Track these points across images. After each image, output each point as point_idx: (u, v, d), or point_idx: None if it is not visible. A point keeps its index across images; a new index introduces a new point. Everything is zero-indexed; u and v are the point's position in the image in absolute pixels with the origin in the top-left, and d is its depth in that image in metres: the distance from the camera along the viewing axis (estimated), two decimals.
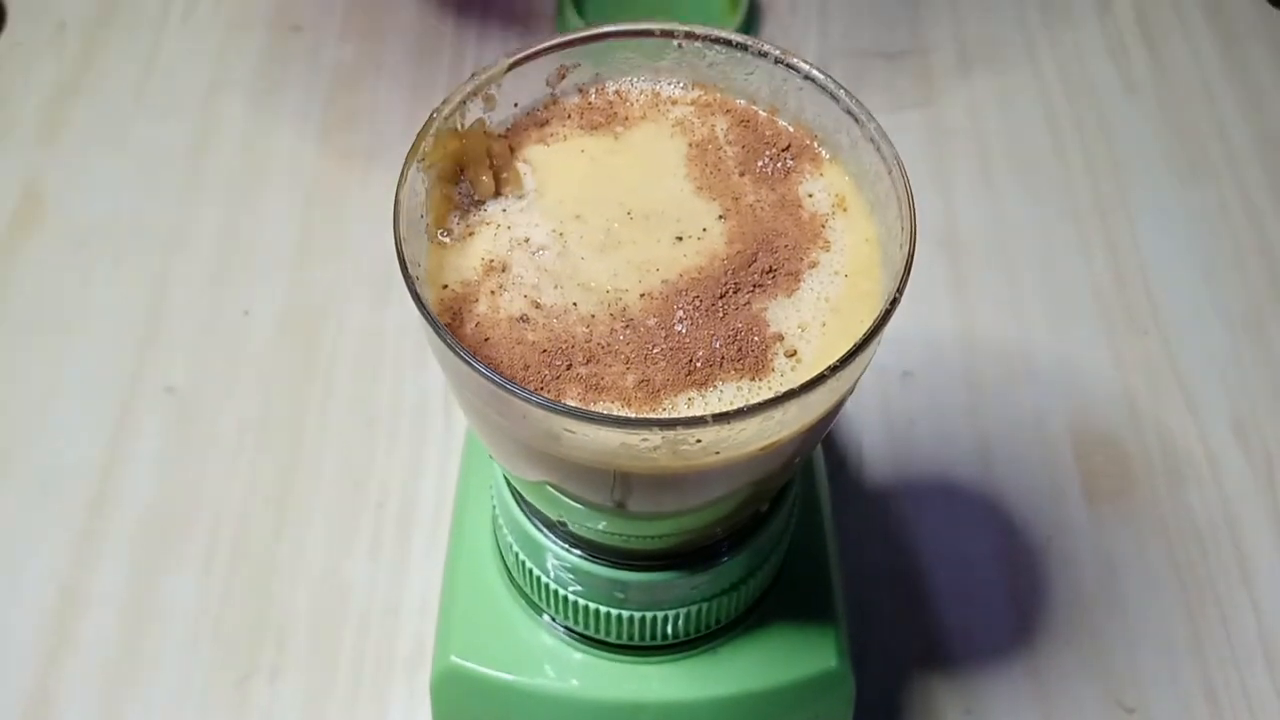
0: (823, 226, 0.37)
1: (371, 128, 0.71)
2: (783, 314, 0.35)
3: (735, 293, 0.35)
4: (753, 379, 0.34)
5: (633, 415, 0.33)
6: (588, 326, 0.34)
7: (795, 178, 0.38)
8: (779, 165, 0.38)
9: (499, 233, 0.36)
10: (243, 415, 0.60)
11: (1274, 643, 0.54)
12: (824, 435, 0.37)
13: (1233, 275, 0.66)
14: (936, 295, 0.65)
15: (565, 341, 0.34)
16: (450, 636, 0.44)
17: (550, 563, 0.41)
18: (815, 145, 0.38)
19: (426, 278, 0.35)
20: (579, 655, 0.43)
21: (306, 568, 0.55)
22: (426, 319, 0.32)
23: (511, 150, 0.38)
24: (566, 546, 0.40)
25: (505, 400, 0.32)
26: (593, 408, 0.33)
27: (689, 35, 0.38)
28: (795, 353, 0.34)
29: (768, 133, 0.38)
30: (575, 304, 0.35)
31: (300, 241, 0.66)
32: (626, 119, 0.39)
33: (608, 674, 0.43)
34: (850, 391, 0.35)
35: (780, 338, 0.34)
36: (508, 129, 0.39)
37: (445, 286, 0.35)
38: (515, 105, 0.39)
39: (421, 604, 0.54)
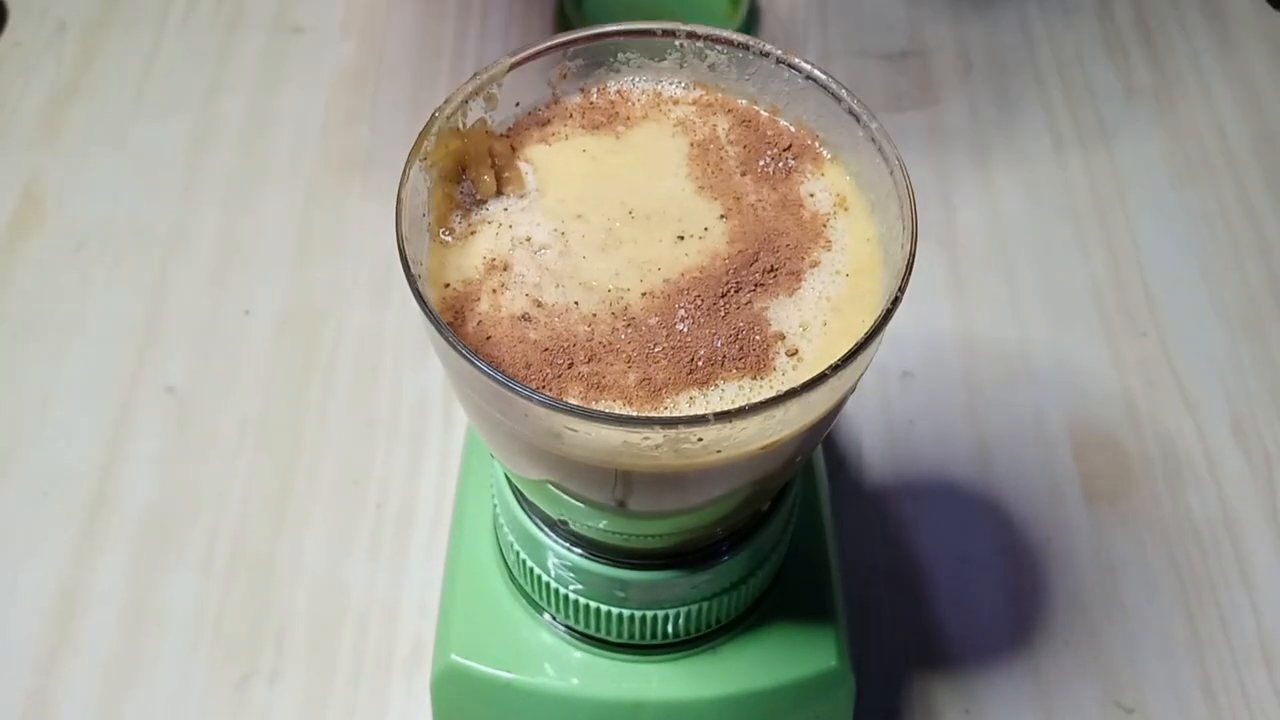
0: (824, 226, 0.37)
1: (372, 128, 0.71)
2: (784, 313, 0.35)
3: (737, 292, 0.35)
4: (754, 378, 0.34)
5: (635, 414, 0.33)
6: (589, 325, 0.34)
7: (797, 177, 0.38)
8: (780, 165, 0.38)
9: (501, 232, 0.36)
10: (242, 415, 0.60)
11: (1273, 643, 0.54)
12: (825, 435, 0.37)
13: (1231, 276, 0.66)
14: (936, 296, 0.65)
15: (567, 340, 0.34)
16: (450, 635, 0.44)
17: (551, 561, 0.41)
18: (816, 145, 0.38)
19: (428, 276, 0.35)
20: (579, 654, 0.43)
21: (306, 568, 0.55)
22: (429, 317, 0.32)
23: (513, 149, 0.38)
24: (567, 545, 0.40)
25: (507, 399, 0.32)
26: (594, 406, 0.33)
27: (690, 35, 0.38)
28: (797, 352, 0.34)
29: (769, 132, 0.39)
30: (577, 303, 0.35)
31: (300, 242, 0.66)
32: (628, 119, 0.39)
33: (608, 673, 0.43)
34: (851, 390, 0.35)
35: (782, 337, 0.34)
36: (509, 128, 0.39)
37: (447, 285, 0.35)
38: (517, 105, 0.39)
39: (421, 604, 0.54)
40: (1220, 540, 0.57)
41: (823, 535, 0.46)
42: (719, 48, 0.39)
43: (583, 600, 0.41)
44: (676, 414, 0.33)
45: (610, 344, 0.34)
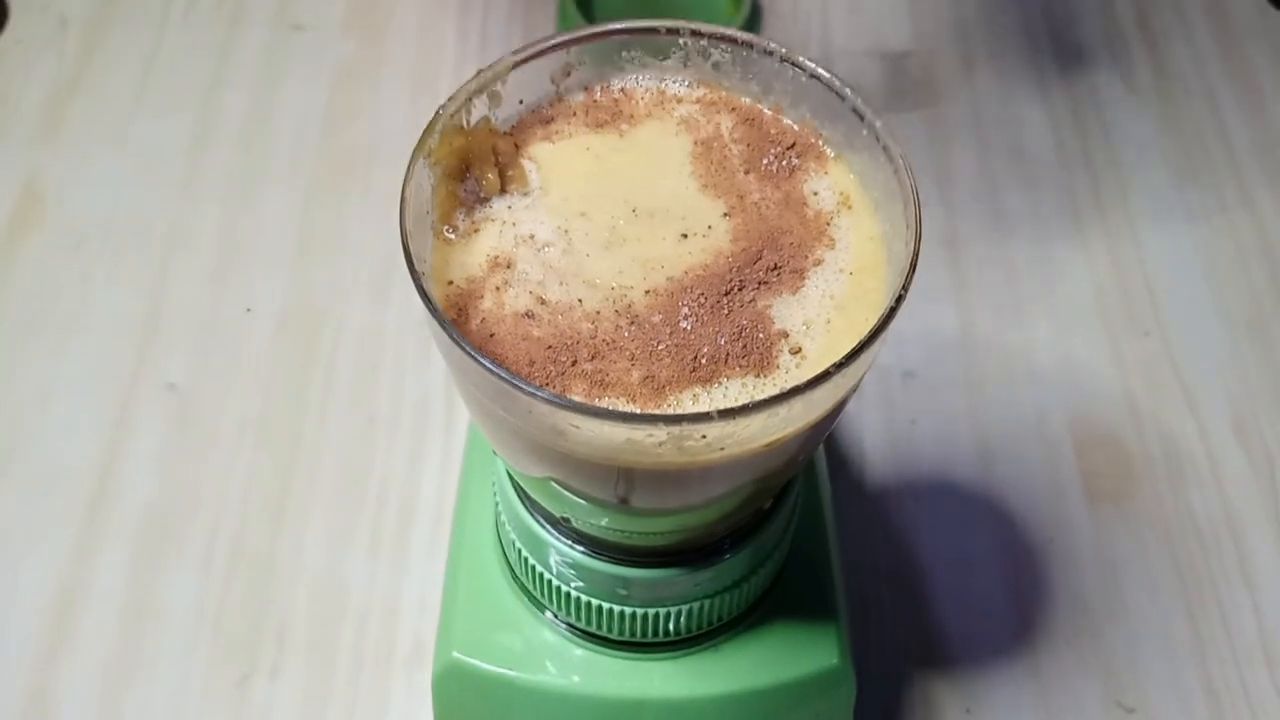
0: (828, 224, 0.37)
1: (372, 126, 0.71)
2: (788, 311, 0.35)
3: (740, 290, 0.35)
4: (758, 376, 0.34)
5: (638, 411, 0.33)
6: (593, 323, 0.34)
7: (800, 175, 0.38)
8: (784, 163, 0.38)
9: (504, 229, 0.36)
10: (243, 413, 0.60)
11: (1274, 643, 0.54)
12: (828, 433, 0.37)
13: (1233, 275, 0.66)
14: (938, 295, 0.65)
15: (570, 338, 0.34)
16: (452, 632, 0.44)
17: (553, 559, 0.41)
18: (820, 143, 0.38)
19: (432, 274, 0.35)
20: (580, 652, 0.43)
21: (306, 566, 0.55)
22: (432, 314, 0.32)
23: (517, 147, 0.38)
24: (569, 543, 0.40)
25: (511, 395, 0.32)
26: (598, 404, 0.33)
27: (694, 34, 0.38)
28: (800, 350, 0.34)
29: (773, 131, 0.38)
30: (580, 300, 0.35)
31: (301, 239, 0.66)
32: (631, 117, 0.39)
33: (609, 671, 0.43)
34: (855, 389, 0.35)
35: (785, 335, 0.34)
36: (513, 126, 0.39)
37: (450, 283, 0.35)
38: (520, 103, 0.39)
39: (421, 602, 0.54)
40: (1222, 540, 0.57)
41: (824, 534, 0.46)
42: (723, 46, 0.39)
43: (584, 598, 0.41)
44: (680, 411, 0.33)
45: (614, 342, 0.34)
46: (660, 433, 0.31)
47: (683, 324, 0.34)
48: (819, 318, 0.35)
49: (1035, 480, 0.59)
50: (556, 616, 0.43)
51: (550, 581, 0.42)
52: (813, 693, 0.44)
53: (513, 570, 0.44)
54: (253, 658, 0.53)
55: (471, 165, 0.37)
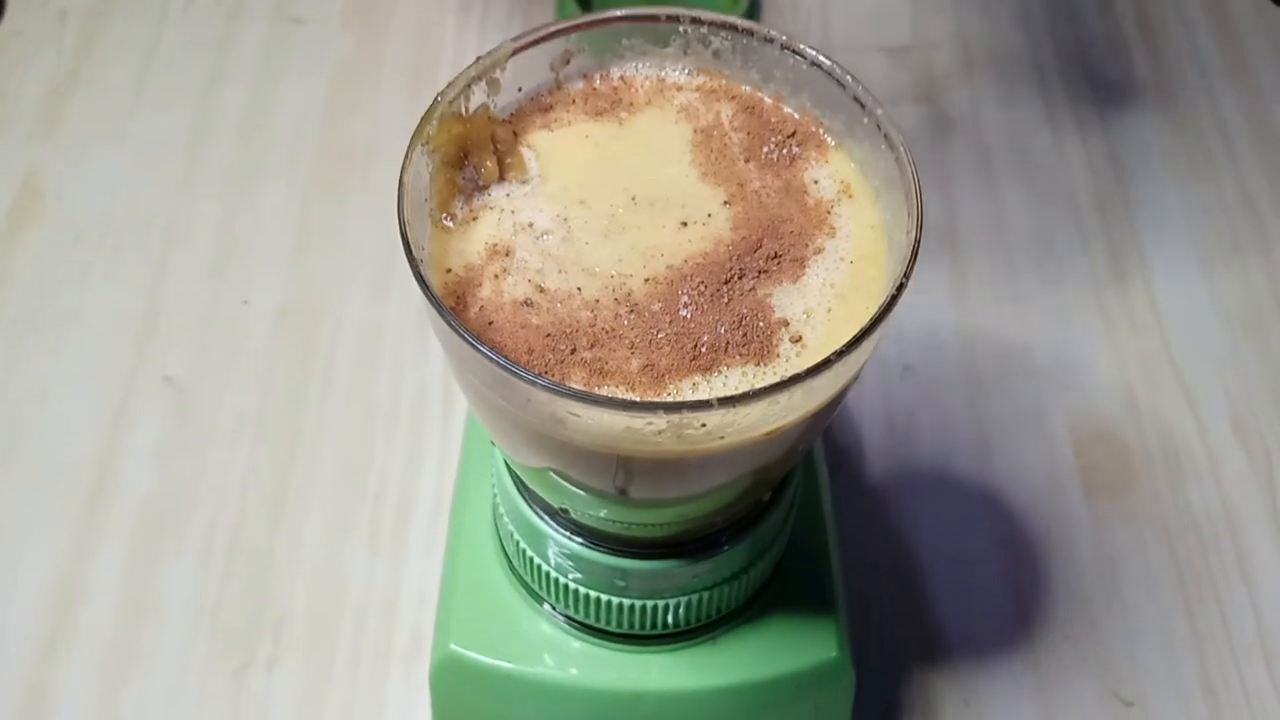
0: (828, 213, 0.37)
1: (372, 120, 0.71)
2: (788, 300, 0.35)
3: (740, 278, 0.35)
4: (758, 364, 0.34)
5: (638, 399, 0.33)
6: (592, 311, 0.34)
7: (801, 164, 0.38)
8: (784, 151, 0.38)
9: (503, 217, 0.36)
10: (241, 406, 0.59)
11: (1272, 638, 0.54)
12: (827, 424, 0.37)
13: (1232, 272, 0.66)
14: (937, 289, 0.64)
15: (569, 326, 0.34)
16: (450, 625, 0.44)
17: (551, 550, 0.41)
18: (821, 132, 0.38)
19: (430, 262, 0.35)
20: (578, 644, 0.43)
21: (304, 559, 0.55)
22: (431, 302, 0.32)
23: (515, 135, 0.38)
24: (568, 534, 0.40)
25: (509, 383, 0.32)
26: (597, 392, 0.33)
27: (694, 21, 0.38)
28: (800, 338, 0.34)
29: (773, 119, 0.38)
30: (579, 289, 0.35)
31: (300, 234, 0.66)
32: (631, 105, 0.39)
33: (607, 663, 0.43)
34: (855, 378, 0.35)
35: (785, 323, 0.34)
36: (512, 114, 0.39)
37: (449, 271, 0.35)
38: (519, 90, 0.39)
39: (419, 595, 0.54)
40: (1220, 536, 0.57)
41: (823, 527, 0.46)
42: (723, 34, 0.38)
43: (583, 590, 0.41)
44: (680, 400, 0.33)
45: (613, 330, 0.34)
46: (660, 421, 0.31)
47: (682, 312, 0.34)
48: (819, 306, 0.35)
49: (1034, 475, 0.58)
50: (554, 609, 0.43)
51: (548, 573, 0.42)
52: (812, 685, 0.44)
53: (511, 563, 0.44)
54: (250, 650, 0.53)
55: (470, 153, 0.37)
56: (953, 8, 0.77)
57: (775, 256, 0.35)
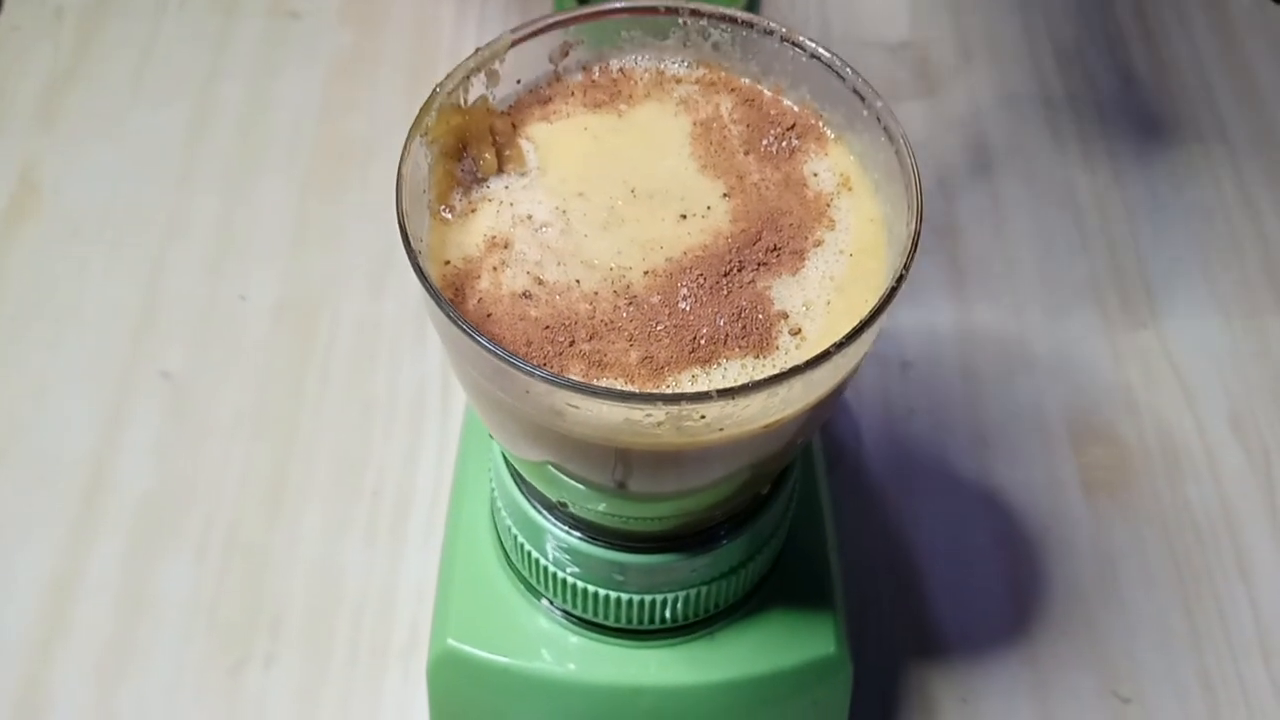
0: (828, 205, 0.37)
1: (370, 115, 0.70)
2: (787, 292, 0.35)
3: (740, 271, 0.35)
4: (757, 356, 0.33)
5: (637, 390, 0.32)
6: (591, 303, 0.34)
7: (800, 157, 0.38)
8: (784, 144, 0.38)
9: (501, 209, 0.36)
10: (239, 402, 0.59)
11: (1270, 635, 0.54)
12: (826, 417, 0.37)
13: (1231, 269, 0.66)
14: (935, 286, 0.64)
15: (568, 318, 0.34)
16: (447, 620, 0.44)
17: (549, 545, 0.41)
18: (820, 124, 0.38)
19: (429, 253, 0.35)
20: (576, 639, 0.43)
21: (302, 555, 0.55)
22: (430, 293, 0.32)
23: (514, 127, 0.38)
24: (566, 528, 0.40)
25: (508, 375, 0.32)
26: (596, 384, 0.33)
27: (694, 13, 0.38)
28: (800, 331, 0.34)
29: (772, 111, 0.38)
30: (578, 281, 0.34)
31: (297, 229, 0.66)
32: (630, 97, 0.39)
33: (605, 658, 0.43)
34: (854, 371, 0.35)
35: (785, 316, 0.34)
36: (511, 106, 0.38)
37: (447, 262, 0.35)
38: (518, 82, 0.38)
39: (416, 591, 0.54)
40: (1219, 533, 0.57)
41: (821, 522, 0.46)
42: (722, 26, 0.38)
43: (580, 584, 0.41)
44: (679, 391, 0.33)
45: (612, 322, 0.34)
46: (659, 412, 0.31)
47: (682, 305, 0.34)
48: (819, 299, 0.35)
49: (1032, 472, 0.58)
50: (552, 604, 0.43)
51: (546, 568, 0.41)
52: (810, 681, 0.44)
53: (508, 557, 0.44)
54: (248, 646, 0.53)
55: (469, 145, 0.37)
56: (951, 4, 0.77)
57: (775, 249, 0.35)
